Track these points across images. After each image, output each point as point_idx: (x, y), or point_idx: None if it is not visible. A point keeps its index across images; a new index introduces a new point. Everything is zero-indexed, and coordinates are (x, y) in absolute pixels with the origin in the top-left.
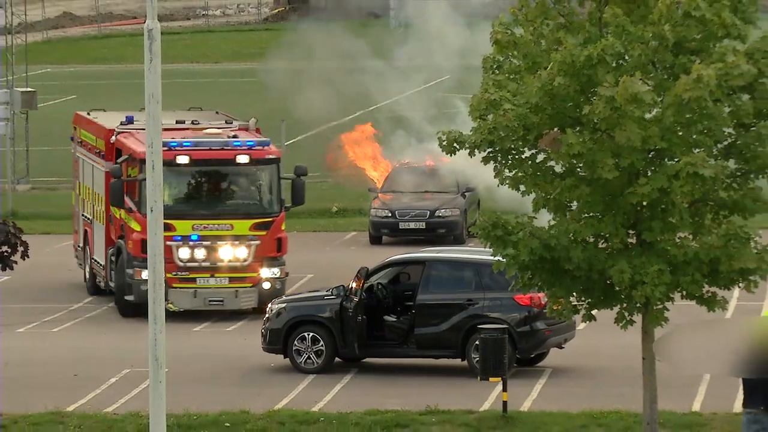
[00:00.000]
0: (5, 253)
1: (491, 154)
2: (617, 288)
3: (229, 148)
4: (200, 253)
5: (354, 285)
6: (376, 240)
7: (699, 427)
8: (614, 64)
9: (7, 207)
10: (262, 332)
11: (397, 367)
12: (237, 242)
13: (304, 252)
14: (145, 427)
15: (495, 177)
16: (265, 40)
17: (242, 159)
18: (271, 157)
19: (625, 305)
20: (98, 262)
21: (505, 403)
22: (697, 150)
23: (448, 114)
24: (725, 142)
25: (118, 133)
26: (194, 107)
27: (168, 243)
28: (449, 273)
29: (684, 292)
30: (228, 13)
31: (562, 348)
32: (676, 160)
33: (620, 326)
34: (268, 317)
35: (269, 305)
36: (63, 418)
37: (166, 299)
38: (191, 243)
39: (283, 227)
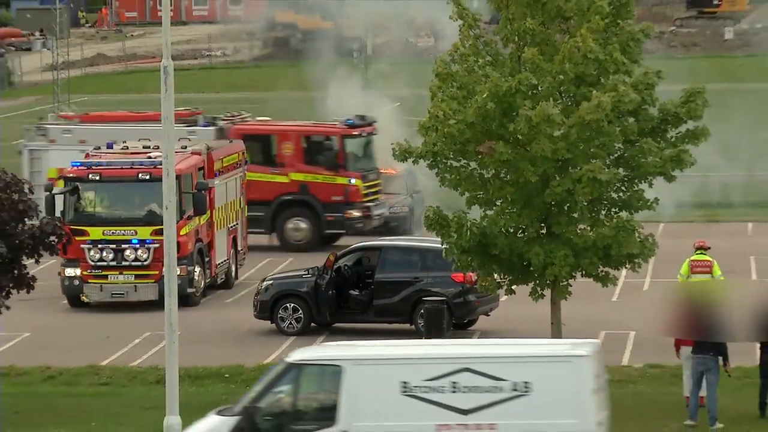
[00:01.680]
0: (52, 242)
1: (433, 163)
2: (532, 269)
3: (133, 167)
4: (109, 255)
5: (326, 266)
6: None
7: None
8: (530, 93)
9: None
10: (253, 303)
11: (360, 331)
12: (139, 245)
13: None
14: (162, 377)
15: (438, 180)
16: (255, 74)
17: (144, 176)
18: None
19: (538, 282)
20: None
21: None
22: (595, 160)
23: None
24: (616, 154)
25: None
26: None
27: (82, 246)
28: (400, 257)
29: (584, 272)
30: (226, 53)
31: (488, 315)
32: (578, 168)
33: (534, 298)
34: (258, 292)
35: (259, 282)
36: (98, 371)
37: (81, 293)
38: (100, 246)
39: (182, 233)
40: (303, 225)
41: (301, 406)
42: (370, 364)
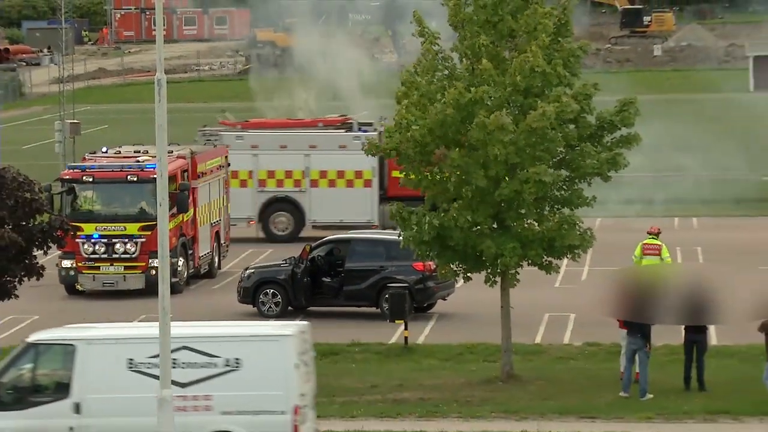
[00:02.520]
0: (60, 235)
1: (399, 161)
2: (485, 259)
3: (123, 170)
4: (101, 248)
5: (301, 256)
6: (316, 225)
7: (539, 353)
8: (486, 103)
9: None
10: (237, 290)
11: (332, 314)
12: (127, 240)
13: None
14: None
15: (401, 180)
16: (238, 86)
17: (132, 178)
18: (154, 176)
19: (490, 271)
20: None
21: (406, 338)
22: (540, 163)
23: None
24: (559, 158)
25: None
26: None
27: (77, 240)
28: (368, 248)
29: (530, 261)
30: (213, 68)
31: (445, 300)
32: (525, 170)
33: (487, 285)
34: (241, 279)
35: (242, 271)
36: None
37: (76, 282)
38: (93, 240)
39: None
40: None
41: (39, 381)
42: (100, 343)
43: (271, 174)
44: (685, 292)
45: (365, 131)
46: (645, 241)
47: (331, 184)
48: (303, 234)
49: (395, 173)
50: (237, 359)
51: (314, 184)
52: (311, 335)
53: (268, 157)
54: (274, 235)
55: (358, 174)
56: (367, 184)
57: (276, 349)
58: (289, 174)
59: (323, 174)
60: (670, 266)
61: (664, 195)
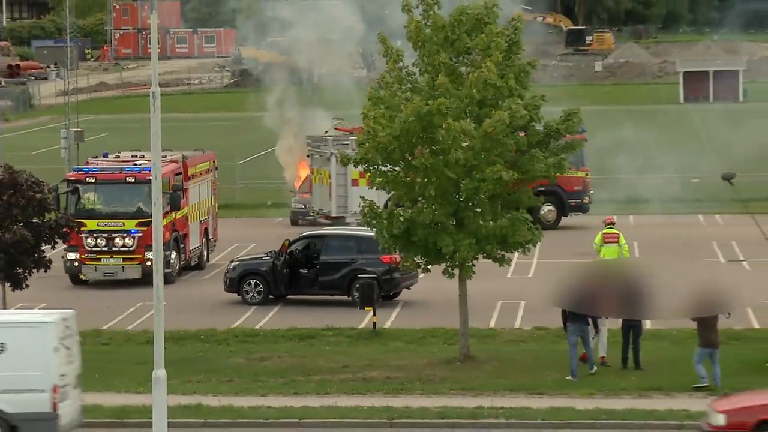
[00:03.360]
0: (66, 231)
1: (366, 168)
2: (444, 253)
3: (122, 172)
4: (102, 242)
5: (281, 250)
6: (294, 223)
7: (493, 337)
8: (445, 113)
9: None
10: (223, 280)
11: (308, 302)
12: (125, 235)
13: (251, 229)
14: (151, 338)
15: (370, 182)
16: (225, 99)
17: (130, 179)
18: (149, 177)
19: (449, 264)
20: None
21: (374, 323)
22: (494, 165)
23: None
24: (511, 161)
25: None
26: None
27: (81, 235)
28: (340, 242)
29: (485, 255)
30: (202, 82)
31: (409, 289)
32: (482, 171)
33: (446, 276)
34: (227, 271)
35: (228, 263)
36: (100, 333)
37: (80, 272)
38: (95, 235)
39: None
40: (552, 209)
41: None
42: None
43: None
44: (623, 287)
45: None
46: (604, 231)
47: None
48: None
49: None
50: (2, 343)
51: None
52: (75, 322)
53: None
54: None
55: None
56: None
57: (38, 334)
58: None
59: None
60: (611, 261)
61: (606, 195)
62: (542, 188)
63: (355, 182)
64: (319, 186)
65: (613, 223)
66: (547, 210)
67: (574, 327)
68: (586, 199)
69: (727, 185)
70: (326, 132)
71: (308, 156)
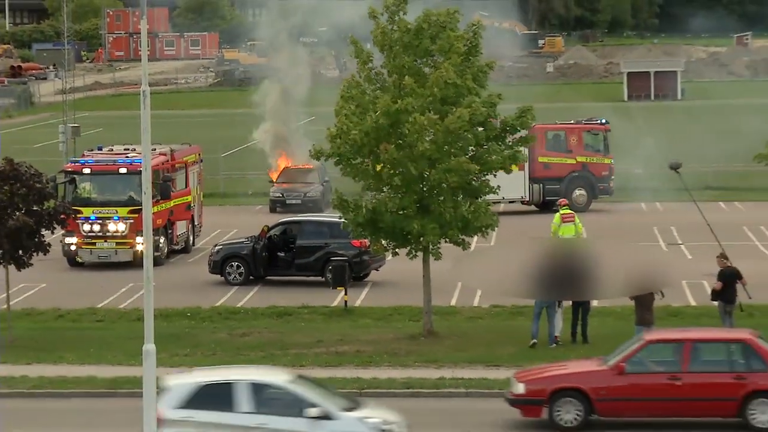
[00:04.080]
0: (64, 218)
1: (338, 161)
2: (410, 237)
3: (115, 164)
4: (97, 228)
5: (260, 235)
6: (273, 210)
7: (454, 314)
8: (411, 111)
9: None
10: (208, 262)
11: (285, 282)
12: (118, 221)
13: (233, 216)
14: (142, 315)
15: (341, 174)
16: (210, 97)
17: (122, 170)
18: (139, 169)
19: (414, 247)
20: None
21: (345, 302)
22: (455, 158)
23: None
24: (470, 154)
25: (82, 155)
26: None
27: (77, 221)
28: (315, 228)
29: (448, 239)
30: (188, 81)
31: (378, 270)
32: (445, 163)
33: (410, 258)
34: (211, 254)
35: (212, 247)
36: (95, 311)
37: (77, 255)
38: (91, 221)
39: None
40: (584, 192)
41: None
42: None
43: None
44: (566, 268)
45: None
46: (561, 212)
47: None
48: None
49: (541, 159)
50: None
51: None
52: None
53: None
54: None
55: None
56: (521, 168)
57: None
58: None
59: None
60: (554, 242)
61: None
62: (575, 173)
63: None
64: None
65: (568, 205)
66: (579, 194)
67: (539, 301)
68: (611, 184)
69: (673, 174)
70: None
71: None
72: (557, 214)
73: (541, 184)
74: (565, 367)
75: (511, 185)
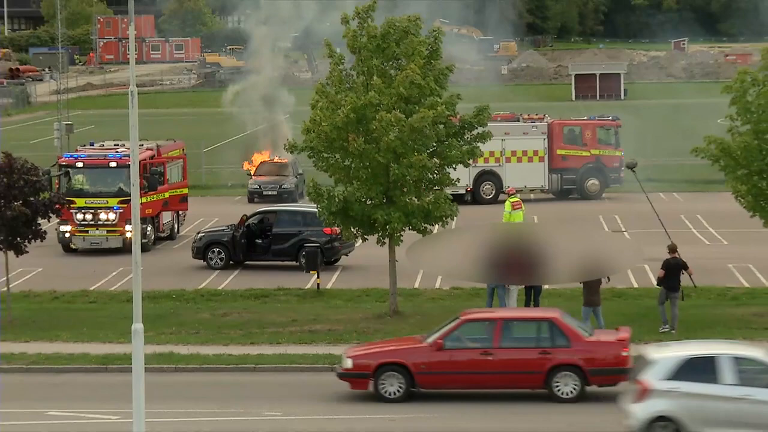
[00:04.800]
0: (58, 207)
1: (311, 155)
2: (377, 225)
3: (105, 158)
4: (89, 217)
5: (239, 223)
6: (251, 200)
7: (417, 295)
8: (376, 107)
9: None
10: (192, 248)
11: (262, 267)
12: (108, 211)
13: (214, 206)
14: (131, 297)
15: (314, 166)
16: (193, 97)
17: (112, 164)
18: (127, 163)
19: (381, 234)
20: None
21: (318, 284)
22: (418, 153)
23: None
24: (432, 149)
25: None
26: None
27: (71, 210)
28: (289, 217)
29: (411, 227)
30: (173, 83)
31: (347, 255)
32: (409, 158)
33: (379, 245)
34: (195, 240)
35: (195, 234)
36: (88, 293)
37: (70, 242)
38: (83, 211)
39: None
40: (597, 182)
41: None
42: None
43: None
44: (516, 253)
45: (534, 124)
46: (511, 200)
47: (519, 160)
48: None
49: (559, 151)
50: None
51: (508, 160)
52: None
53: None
54: (483, 199)
55: (536, 152)
56: (541, 159)
57: None
58: (492, 153)
59: (513, 153)
60: (500, 228)
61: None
62: (590, 165)
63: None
64: None
65: (515, 193)
66: (591, 183)
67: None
68: (622, 174)
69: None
70: None
71: None
72: (508, 202)
73: (559, 175)
74: (390, 344)
75: (532, 175)
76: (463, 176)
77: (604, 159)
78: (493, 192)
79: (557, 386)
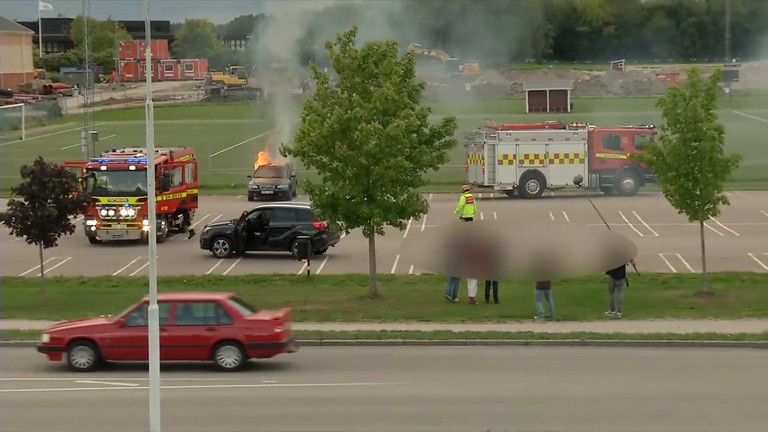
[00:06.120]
0: (85, 205)
1: (303, 158)
2: (359, 219)
3: (125, 162)
4: (112, 213)
5: (241, 219)
6: (251, 199)
7: (394, 280)
8: (358, 119)
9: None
10: (200, 240)
11: (260, 256)
12: (128, 207)
13: (219, 203)
14: (147, 281)
15: (305, 166)
16: (200, 110)
17: (131, 167)
18: (145, 167)
19: (364, 227)
20: None
21: (308, 271)
22: (394, 158)
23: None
24: (406, 155)
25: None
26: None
27: (96, 207)
28: (284, 213)
29: (389, 222)
30: (184, 98)
31: (333, 246)
32: (387, 161)
33: (365, 236)
34: (203, 233)
35: (203, 228)
36: (111, 278)
37: (96, 235)
38: (107, 207)
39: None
40: (631, 181)
41: None
42: None
43: (527, 156)
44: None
45: (575, 131)
46: (465, 195)
47: (561, 161)
48: (543, 194)
49: (598, 154)
50: None
51: (551, 161)
52: None
53: (525, 145)
54: (527, 194)
55: (576, 155)
56: (581, 161)
57: None
58: (537, 156)
59: (556, 155)
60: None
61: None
62: (626, 166)
63: (500, 162)
64: (474, 165)
65: (469, 189)
66: (626, 182)
67: None
68: (654, 175)
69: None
70: (479, 128)
71: (465, 146)
72: (462, 196)
73: (597, 174)
74: (82, 322)
75: (572, 174)
76: (510, 175)
77: (639, 162)
78: (537, 188)
79: (221, 358)
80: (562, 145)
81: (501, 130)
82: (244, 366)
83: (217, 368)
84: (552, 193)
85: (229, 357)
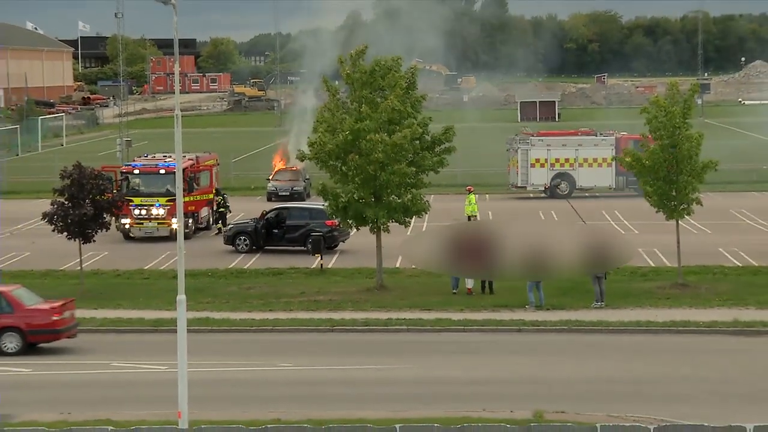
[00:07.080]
0: (120, 204)
1: (318, 164)
2: (367, 218)
3: (156, 167)
4: (144, 212)
5: (260, 217)
6: (269, 199)
7: (399, 273)
8: (368, 130)
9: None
10: (223, 237)
11: (278, 251)
12: (159, 207)
13: (240, 204)
14: (176, 274)
15: (318, 169)
16: (223, 119)
17: (161, 171)
18: (173, 170)
19: (371, 225)
20: None
21: (321, 265)
22: (399, 164)
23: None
24: (410, 160)
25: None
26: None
27: (130, 207)
28: (299, 212)
29: (394, 220)
30: (209, 108)
31: (344, 242)
32: (392, 167)
33: (372, 233)
34: (226, 230)
35: (227, 226)
36: (143, 271)
37: (129, 232)
38: (139, 207)
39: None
40: None
41: None
42: None
43: (557, 160)
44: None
45: (604, 137)
46: (472, 195)
47: (590, 165)
48: (574, 194)
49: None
50: None
51: (580, 165)
52: None
53: (557, 150)
54: (558, 194)
55: (604, 159)
56: (609, 165)
57: None
58: (567, 160)
59: (585, 159)
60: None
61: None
62: None
63: (533, 165)
64: (512, 168)
65: (472, 190)
66: None
67: None
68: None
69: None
70: (516, 135)
71: (507, 150)
72: (472, 197)
73: (624, 177)
74: None
75: (600, 177)
76: (542, 177)
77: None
78: (567, 190)
79: (4, 344)
80: (591, 150)
81: (535, 136)
82: (26, 351)
83: (1, 353)
84: (586, 194)
85: (11, 343)
